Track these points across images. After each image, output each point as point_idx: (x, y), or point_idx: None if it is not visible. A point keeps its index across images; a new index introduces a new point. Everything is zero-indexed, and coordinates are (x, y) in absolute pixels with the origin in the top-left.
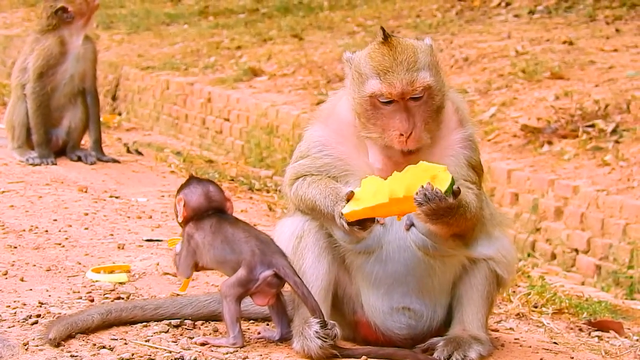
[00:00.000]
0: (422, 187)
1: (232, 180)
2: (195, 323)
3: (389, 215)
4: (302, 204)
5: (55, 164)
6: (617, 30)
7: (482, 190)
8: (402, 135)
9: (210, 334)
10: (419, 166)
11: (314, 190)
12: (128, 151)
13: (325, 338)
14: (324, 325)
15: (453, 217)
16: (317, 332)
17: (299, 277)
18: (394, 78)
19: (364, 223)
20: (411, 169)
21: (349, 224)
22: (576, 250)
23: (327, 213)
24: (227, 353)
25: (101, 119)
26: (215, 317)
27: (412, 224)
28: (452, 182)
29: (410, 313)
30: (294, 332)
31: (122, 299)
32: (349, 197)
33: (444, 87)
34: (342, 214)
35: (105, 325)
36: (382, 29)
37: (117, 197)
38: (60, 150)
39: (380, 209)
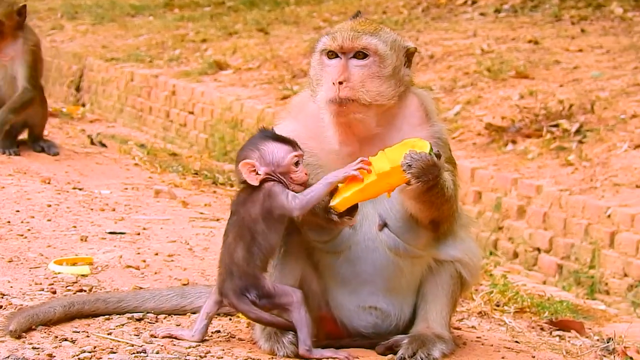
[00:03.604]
0: (406, 154)
1: (196, 173)
2: (158, 317)
3: (378, 194)
4: None
5: (19, 155)
6: (582, 31)
7: (457, 183)
8: (333, 84)
9: None
10: (395, 144)
11: None
12: (92, 143)
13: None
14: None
15: (437, 187)
16: (291, 340)
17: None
18: (339, 33)
19: (351, 211)
20: (388, 149)
21: (339, 215)
22: (538, 250)
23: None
24: (189, 347)
25: (64, 110)
26: (177, 312)
27: (385, 224)
28: (431, 147)
29: (377, 312)
30: (264, 333)
31: (85, 291)
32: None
33: (399, 68)
34: (330, 207)
35: (67, 317)
36: (358, 12)
37: (80, 189)
38: (23, 141)
39: (370, 189)
